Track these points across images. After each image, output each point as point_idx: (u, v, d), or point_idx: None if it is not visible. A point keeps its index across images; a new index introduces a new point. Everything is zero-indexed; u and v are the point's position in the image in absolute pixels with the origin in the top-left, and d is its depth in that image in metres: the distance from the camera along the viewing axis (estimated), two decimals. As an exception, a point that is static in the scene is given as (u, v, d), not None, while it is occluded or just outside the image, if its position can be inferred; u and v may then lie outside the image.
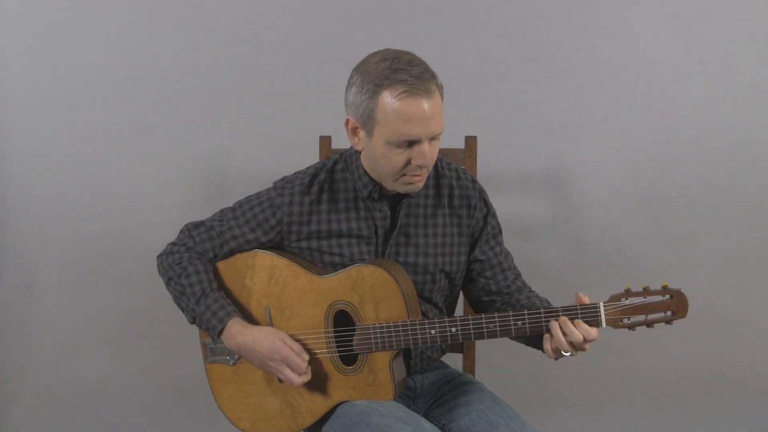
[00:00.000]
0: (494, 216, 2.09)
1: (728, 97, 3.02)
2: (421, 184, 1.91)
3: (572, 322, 1.78)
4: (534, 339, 1.93)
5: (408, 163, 1.84)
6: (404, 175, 1.87)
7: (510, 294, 2.05)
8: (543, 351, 1.96)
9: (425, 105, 1.78)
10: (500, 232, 2.11)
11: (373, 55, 1.86)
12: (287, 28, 2.99)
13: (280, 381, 1.98)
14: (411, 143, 1.82)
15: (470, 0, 3.00)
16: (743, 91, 3.01)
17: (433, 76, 1.82)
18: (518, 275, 2.11)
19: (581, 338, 1.77)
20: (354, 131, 1.89)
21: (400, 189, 1.91)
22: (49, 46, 2.99)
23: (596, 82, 3.02)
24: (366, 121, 1.84)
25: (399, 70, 1.78)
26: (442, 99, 1.85)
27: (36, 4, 2.97)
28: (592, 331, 1.78)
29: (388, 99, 1.79)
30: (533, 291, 2.07)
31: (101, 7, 2.97)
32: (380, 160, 1.87)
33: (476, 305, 2.11)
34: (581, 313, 1.80)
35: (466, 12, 2.99)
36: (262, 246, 2.01)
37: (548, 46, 3.01)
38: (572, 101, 3.03)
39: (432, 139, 1.83)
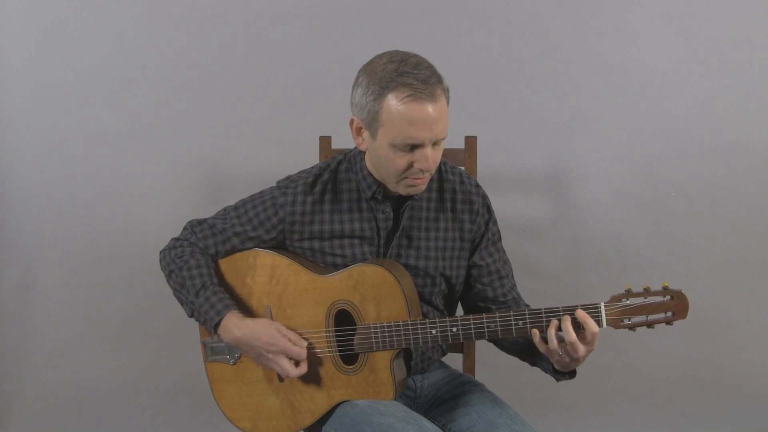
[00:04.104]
0: (495, 222, 2.09)
1: (728, 97, 3.02)
2: (423, 187, 1.91)
3: (572, 323, 1.78)
4: (529, 350, 1.95)
5: (410, 166, 1.84)
6: (406, 177, 1.87)
7: (506, 304, 2.05)
8: (541, 367, 1.98)
9: (430, 109, 1.78)
10: (500, 239, 2.11)
11: (381, 56, 1.85)
12: (287, 28, 2.99)
13: (280, 379, 1.98)
14: (414, 147, 1.82)
15: (470, 0, 3.00)
16: (743, 91, 3.01)
17: (439, 80, 1.82)
18: (514, 286, 2.11)
19: (573, 338, 1.76)
20: (358, 131, 1.90)
21: (402, 191, 1.91)
22: (50, 45, 2.98)
23: (596, 82, 3.02)
24: (370, 122, 1.84)
25: (405, 73, 1.78)
26: (448, 103, 1.84)
27: (36, 4, 2.97)
28: (592, 326, 1.77)
29: (393, 102, 1.79)
30: (528, 305, 2.06)
31: (101, 7, 2.97)
32: (383, 161, 1.87)
33: (471, 311, 2.10)
34: (582, 314, 1.80)
35: (466, 12, 2.99)
36: (264, 245, 2.01)
37: (548, 46, 3.01)
38: (572, 101, 3.03)
39: (435, 143, 1.83)
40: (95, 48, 2.99)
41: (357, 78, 1.87)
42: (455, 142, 2.38)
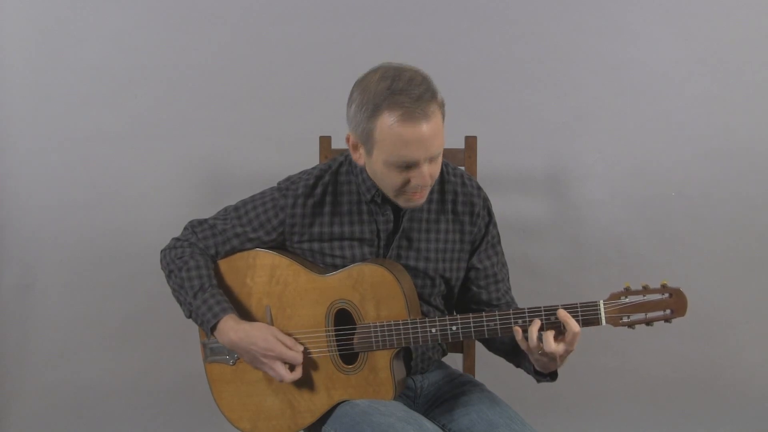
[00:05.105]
0: (495, 225, 2.09)
1: (728, 97, 3.01)
2: (422, 200, 1.90)
3: (554, 336, 1.79)
4: (514, 351, 1.95)
5: (407, 182, 1.83)
6: (405, 192, 1.86)
7: (499, 308, 2.05)
8: (524, 368, 1.99)
9: (423, 128, 1.76)
10: (499, 241, 2.11)
11: (374, 71, 1.83)
12: (287, 28, 2.99)
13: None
14: (410, 165, 1.81)
15: (470, 0, 3.00)
16: (743, 92, 3.01)
17: (433, 95, 1.79)
18: (509, 289, 2.11)
19: (552, 348, 1.77)
20: (354, 147, 1.88)
21: (402, 204, 1.91)
22: (50, 45, 2.98)
23: (596, 82, 3.01)
24: (365, 140, 1.83)
25: (398, 91, 1.76)
26: (444, 116, 1.82)
27: (36, 4, 2.97)
28: (573, 327, 1.77)
29: (385, 122, 1.77)
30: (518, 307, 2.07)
31: (101, 7, 2.97)
32: (380, 177, 1.87)
33: (462, 312, 2.10)
34: (581, 311, 1.80)
35: (466, 12, 2.99)
36: (264, 245, 2.01)
37: (548, 46, 3.01)
38: (572, 101, 3.03)
39: (432, 158, 1.82)
40: (95, 48, 2.99)
41: (351, 94, 1.85)
42: (455, 142, 2.39)
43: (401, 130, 1.76)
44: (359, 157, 1.90)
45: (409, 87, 1.76)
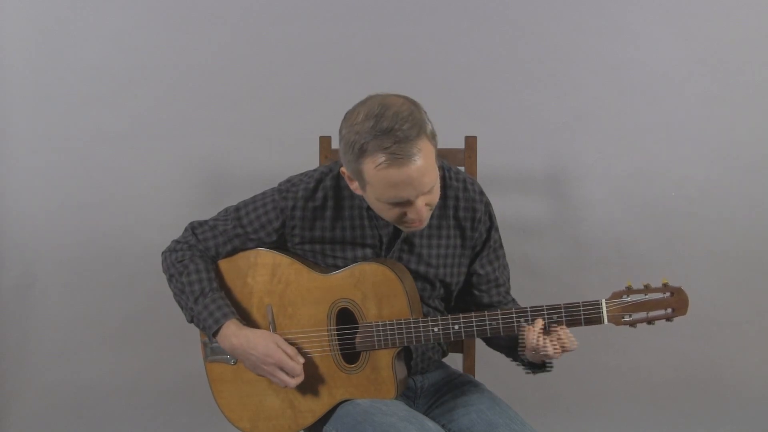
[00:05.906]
0: (497, 230, 2.08)
1: (728, 97, 3.01)
2: (423, 226, 1.87)
3: (550, 336, 1.82)
4: (515, 345, 1.96)
5: (404, 214, 1.82)
6: (403, 222, 1.85)
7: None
8: (520, 362, 2.01)
9: (411, 170, 1.72)
10: (501, 245, 2.10)
11: (362, 103, 1.78)
12: (287, 28, 2.99)
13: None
14: (402, 203, 1.79)
15: (470, 0, 3.00)
16: (743, 92, 3.01)
17: (420, 129, 1.73)
18: (509, 291, 2.12)
19: (554, 353, 1.81)
20: (350, 179, 1.86)
21: (403, 230, 1.90)
22: (50, 45, 2.98)
23: (596, 82, 3.01)
24: (357, 177, 1.81)
25: (382, 133, 1.71)
26: (436, 145, 1.79)
27: (36, 4, 2.97)
28: (570, 346, 1.82)
29: (371, 166, 1.73)
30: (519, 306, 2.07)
31: (101, 7, 2.97)
32: (376, 210, 1.86)
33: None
34: (583, 311, 1.80)
35: (466, 12, 2.99)
36: (265, 246, 2.01)
37: (548, 46, 3.01)
38: (572, 101, 3.03)
39: (426, 193, 1.79)
40: (95, 48, 2.99)
41: (340, 129, 1.81)
42: (455, 142, 2.39)
43: (387, 174, 1.72)
44: (356, 189, 1.87)
45: (395, 125, 1.71)
